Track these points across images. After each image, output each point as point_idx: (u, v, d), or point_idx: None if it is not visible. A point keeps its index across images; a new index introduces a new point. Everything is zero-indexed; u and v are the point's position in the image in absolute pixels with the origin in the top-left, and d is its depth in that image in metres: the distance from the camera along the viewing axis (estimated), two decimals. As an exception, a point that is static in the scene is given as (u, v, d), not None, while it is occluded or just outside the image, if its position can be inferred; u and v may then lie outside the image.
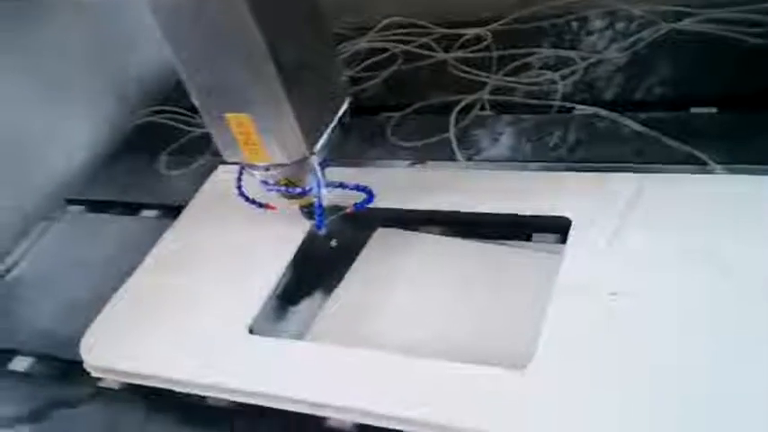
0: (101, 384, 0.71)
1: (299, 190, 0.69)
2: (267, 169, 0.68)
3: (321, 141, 0.67)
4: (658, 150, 0.75)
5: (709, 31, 0.89)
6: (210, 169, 0.91)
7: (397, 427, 0.58)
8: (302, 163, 0.67)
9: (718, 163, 0.71)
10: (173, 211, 0.88)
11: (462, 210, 0.72)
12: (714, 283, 0.58)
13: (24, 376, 0.75)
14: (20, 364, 0.76)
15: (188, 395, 0.67)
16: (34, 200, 0.97)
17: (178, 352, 0.68)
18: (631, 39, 0.92)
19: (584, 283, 0.61)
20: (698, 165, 0.71)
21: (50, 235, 0.93)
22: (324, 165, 0.68)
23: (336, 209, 0.72)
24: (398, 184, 0.76)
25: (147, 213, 0.92)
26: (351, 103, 0.70)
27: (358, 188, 0.70)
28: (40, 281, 0.86)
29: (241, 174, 0.73)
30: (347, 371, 0.62)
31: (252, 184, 0.73)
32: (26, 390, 0.73)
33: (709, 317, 0.56)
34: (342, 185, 0.70)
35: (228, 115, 0.64)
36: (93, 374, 0.71)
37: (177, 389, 0.67)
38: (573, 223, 0.66)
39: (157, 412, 0.67)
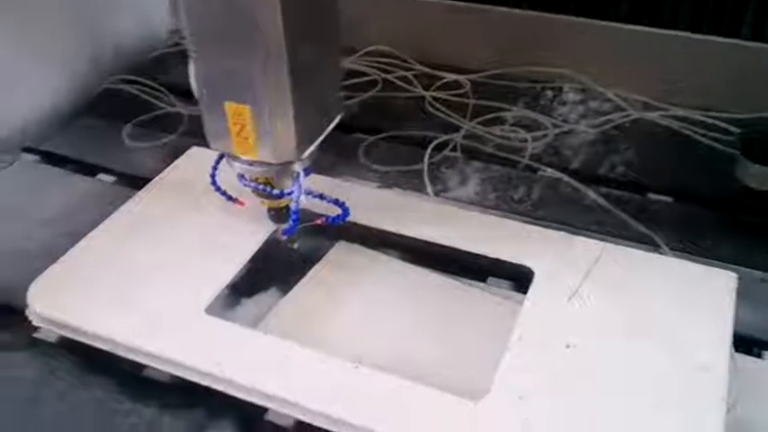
0: (36, 335, 0.69)
1: (277, 192, 0.69)
2: (251, 164, 0.68)
3: (310, 149, 0.67)
4: (616, 224, 0.80)
5: (673, 127, 0.95)
6: (175, 149, 0.91)
7: (336, 429, 0.59)
8: (286, 166, 0.67)
9: (670, 248, 0.75)
10: (131, 181, 0.87)
11: (426, 239, 0.74)
12: (652, 352, 0.62)
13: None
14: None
15: (126, 362, 0.65)
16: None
17: (130, 317, 0.66)
18: (601, 118, 0.97)
19: (542, 332, 0.64)
20: (650, 245, 0.76)
21: (1, 179, 0.90)
22: (306, 173, 0.68)
23: (306, 217, 0.72)
24: (367, 202, 0.76)
25: (103, 177, 0.90)
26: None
27: (336, 203, 0.71)
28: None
29: (218, 161, 0.73)
30: (297, 367, 0.62)
31: (224, 174, 0.72)
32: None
33: (638, 375, 0.61)
34: (321, 197, 0.70)
35: (228, 103, 0.64)
36: (35, 323, 0.69)
37: (119, 353, 0.65)
38: (536, 274, 0.69)
39: (92, 374, 0.66)
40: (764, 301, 0.71)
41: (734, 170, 0.86)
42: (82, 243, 0.74)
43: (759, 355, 0.67)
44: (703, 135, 0.93)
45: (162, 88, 1.05)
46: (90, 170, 0.91)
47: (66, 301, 0.68)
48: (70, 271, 0.72)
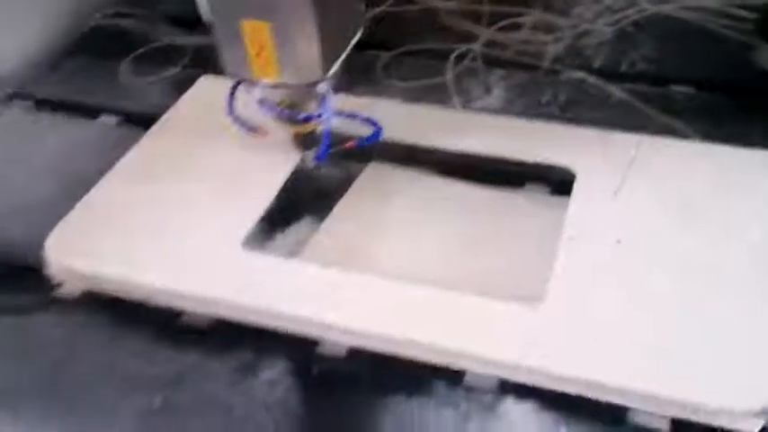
0: (57, 293, 0.62)
1: (304, 115, 0.63)
2: (273, 88, 0.61)
3: (335, 67, 0.61)
4: (643, 118, 0.76)
5: (689, 18, 0.90)
6: (180, 82, 0.83)
7: (396, 351, 0.55)
8: (310, 87, 0.61)
9: (701, 137, 0.72)
10: (137, 120, 0.79)
11: (461, 150, 0.69)
12: (703, 237, 0.60)
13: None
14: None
15: (160, 310, 0.60)
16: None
17: (163, 260, 0.61)
18: (617, 15, 0.91)
19: (591, 230, 0.61)
20: (680, 135, 0.72)
21: (-6, 130, 0.82)
22: (331, 92, 0.62)
23: (336, 140, 0.65)
24: (394, 119, 0.69)
25: (106, 119, 0.82)
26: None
27: (368, 121, 0.64)
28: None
29: (234, 89, 0.66)
30: (347, 293, 0.58)
31: (241, 104, 0.66)
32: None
33: (694, 261, 0.58)
34: (352, 116, 0.64)
35: (245, 22, 0.57)
36: (57, 279, 0.62)
37: (154, 300, 0.60)
38: (578, 174, 0.65)
39: (123, 327, 0.60)
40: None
41: (753, 56, 0.82)
42: (97, 188, 0.68)
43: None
44: (719, 24, 0.88)
45: (158, 19, 0.96)
46: (90, 112, 0.83)
47: (89, 250, 0.62)
48: (89, 218, 0.65)
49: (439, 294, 0.57)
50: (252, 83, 0.62)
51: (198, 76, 0.81)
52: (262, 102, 0.63)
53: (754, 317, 0.54)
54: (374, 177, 0.71)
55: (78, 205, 0.66)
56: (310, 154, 0.67)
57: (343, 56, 0.62)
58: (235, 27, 0.58)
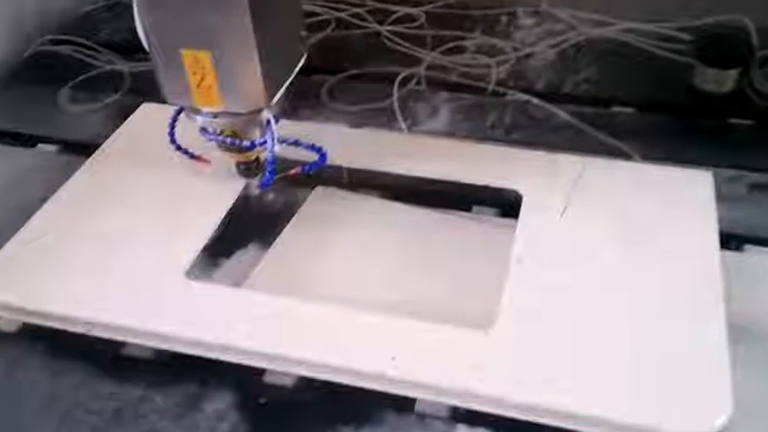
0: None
1: (247, 144, 0.61)
2: (215, 116, 0.59)
3: (279, 94, 0.59)
4: (587, 139, 0.76)
5: (628, 41, 0.91)
6: (121, 109, 0.81)
7: (345, 381, 0.53)
8: (254, 115, 0.59)
9: (641, 156, 0.73)
10: (77, 148, 0.77)
11: (408, 174, 0.68)
12: (647, 256, 0.60)
13: None
14: None
15: (102, 342, 0.57)
16: None
17: (103, 292, 0.58)
18: (557, 38, 0.92)
19: (540, 252, 0.60)
20: (622, 156, 0.73)
21: (-77, 161, 0.78)
22: (275, 120, 0.60)
23: (281, 166, 0.64)
24: (341, 144, 0.68)
25: (44, 147, 0.79)
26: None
27: (313, 148, 0.63)
28: None
29: (176, 117, 0.64)
30: (293, 322, 0.56)
31: (183, 130, 0.64)
32: None
33: (642, 282, 0.58)
34: (296, 143, 0.62)
35: (185, 52, 0.55)
36: None
37: (95, 333, 0.57)
38: (525, 195, 0.65)
39: (64, 360, 0.57)
40: (736, 198, 0.69)
41: (691, 76, 0.84)
42: (35, 219, 0.65)
43: (738, 249, 0.64)
44: (658, 46, 0.90)
45: (96, 46, 0.93)
46: (28, 141, 0.80)
47: (26, 283, 0.59)
48: (27, 250, 0.62)
49: (387, 321, 0.55)
50: (194, 110, 0.60)
51: (138, 103, 0.78)
52: (204, 130, 0.61)
53: (705, 338, 0.53)
54: (320, 203, 0.69)
55: (14, 237, 0.63)
56: (255, 181, 0.65)
57: (287, 83, 0.61)
58: (175, 57, 0.56)
